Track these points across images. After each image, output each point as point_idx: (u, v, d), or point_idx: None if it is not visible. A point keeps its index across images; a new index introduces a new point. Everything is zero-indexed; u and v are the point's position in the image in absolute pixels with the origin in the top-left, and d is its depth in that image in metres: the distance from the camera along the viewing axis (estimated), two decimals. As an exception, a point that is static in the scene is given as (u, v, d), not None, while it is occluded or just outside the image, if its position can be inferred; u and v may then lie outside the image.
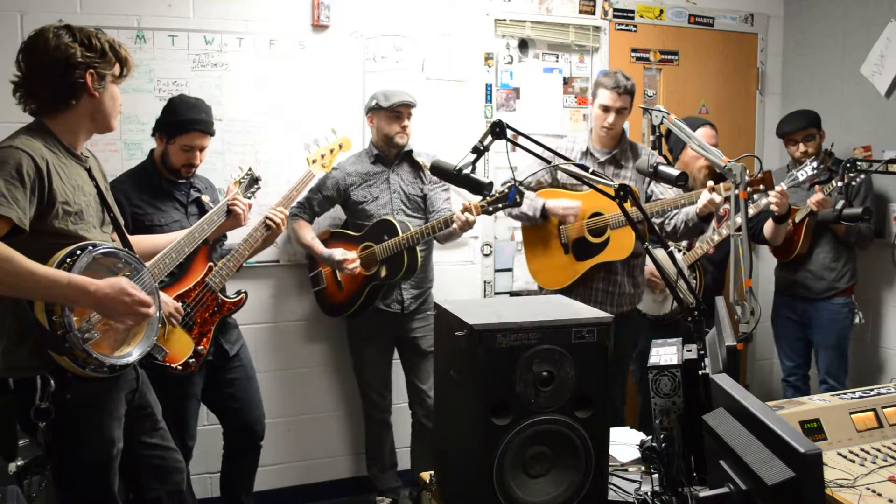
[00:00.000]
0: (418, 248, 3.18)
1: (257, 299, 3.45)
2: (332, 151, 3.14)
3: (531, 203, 3.15)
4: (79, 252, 1.90)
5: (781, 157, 4.29)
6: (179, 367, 2.68)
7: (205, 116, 2.79)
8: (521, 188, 2.94)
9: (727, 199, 2.75)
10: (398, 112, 3.22)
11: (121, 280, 1.93)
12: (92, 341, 1.90)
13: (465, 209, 3.03)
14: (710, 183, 2.86)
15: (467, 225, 3.05)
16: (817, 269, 3.59)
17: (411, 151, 3.35)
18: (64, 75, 1.94)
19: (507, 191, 2.92)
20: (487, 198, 2.94)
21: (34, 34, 1.98)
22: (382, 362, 3.46)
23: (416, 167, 3.35)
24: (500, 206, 2.98)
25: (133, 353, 2.04)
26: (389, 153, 3.33)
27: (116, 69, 2.05)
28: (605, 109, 3.12)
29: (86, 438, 2.01)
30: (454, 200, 3.42)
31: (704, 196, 2.85)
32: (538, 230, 3.26)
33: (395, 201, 3.31)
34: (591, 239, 3.14)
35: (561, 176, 3.24)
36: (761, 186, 2.70)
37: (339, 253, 3.23)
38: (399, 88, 3.30)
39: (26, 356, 1.92)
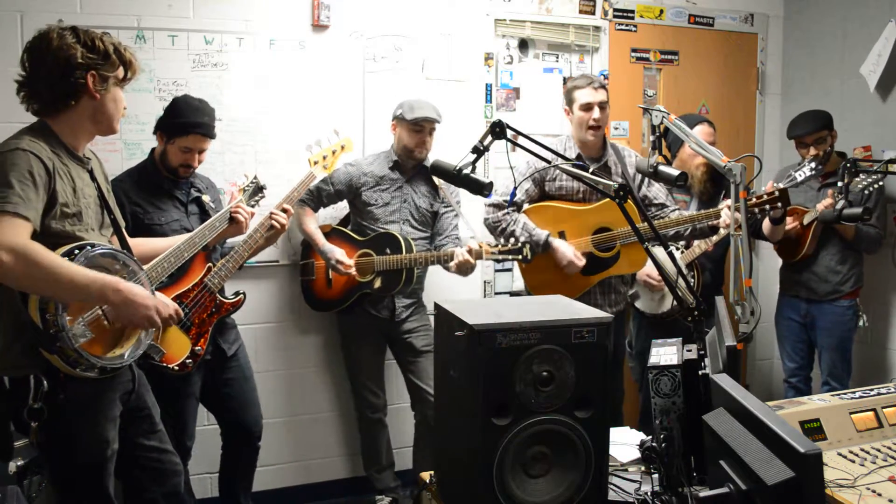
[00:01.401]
0: (416, 268, 3.19)
1: (256, 299, 3.44)
2: (334, 153, 3.13)
3: (530, 236, 3.13)
4: (76, 252, 1.90)
5: (781, 157, 4.30)
6: (176, 368, 2.68)
7: (206, 120, 2.78)
8: (527, 249, 3.01)
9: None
10: (420, 126, 3.22)
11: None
12: (84, 342, 1.91)
13: (471, 251, 3.04)
14: (729, 201, 2.87)
15: (465, 265, 3.07)
16: (822, 271, 3.57)
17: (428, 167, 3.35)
18: (64, 75, 1.95)
19: (521, 245, 3.02)
20: (500, 246, 3.05)
21: (39, 34, 1.99)
22: (375, 360, 3.46)
23: (433, 182, 3.36)
24: (510, 257, 3.05)
25: (125, 355, 2.04)
26: (408, 163, 3.32)
27: (120, 72, 2.06)
28: (588, 108, 3.13)
29: (79, 439, 2.01)
30: (461, 226, 3.44)
31: (727, 214, 2.95)
32: None
33: (403, 211, 3.30)
34: (598, 254, 3.15)
35: (549, 188, 3.23)
36: (779, 204, 2.79)
37: (339, 253, 3.22)
38: (428, 101, 3.28)
39: (19, 355, 1.92)
